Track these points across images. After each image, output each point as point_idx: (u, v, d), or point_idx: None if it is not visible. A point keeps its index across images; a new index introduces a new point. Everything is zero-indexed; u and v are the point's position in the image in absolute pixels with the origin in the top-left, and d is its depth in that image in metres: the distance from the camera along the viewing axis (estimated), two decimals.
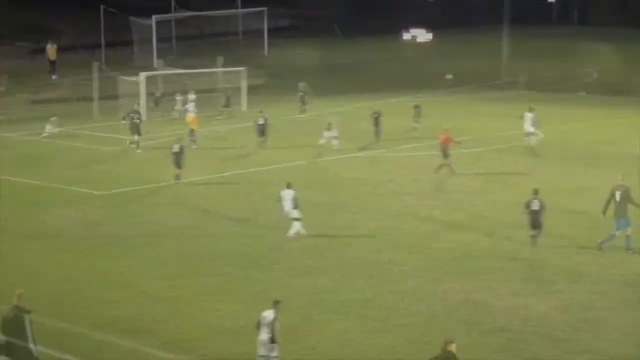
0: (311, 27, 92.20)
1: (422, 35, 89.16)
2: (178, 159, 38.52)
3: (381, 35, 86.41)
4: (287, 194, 31.41)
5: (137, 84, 53.52)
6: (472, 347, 22.20)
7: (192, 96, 52.61)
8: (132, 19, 72.34)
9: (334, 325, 24.34)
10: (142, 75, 54.12)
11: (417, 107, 49.62)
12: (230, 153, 44.81)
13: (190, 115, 47.59)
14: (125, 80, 55.45)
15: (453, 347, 18.88)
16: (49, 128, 49.21)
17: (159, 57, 69.32)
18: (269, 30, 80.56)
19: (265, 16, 79.33)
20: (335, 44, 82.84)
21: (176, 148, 38.67)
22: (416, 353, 22.11)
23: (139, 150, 45.44)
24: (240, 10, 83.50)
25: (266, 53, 78.26)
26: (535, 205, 30.04)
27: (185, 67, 63.34)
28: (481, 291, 26.41)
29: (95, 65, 57.04)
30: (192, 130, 45.79)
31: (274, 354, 21.31)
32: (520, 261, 29.17)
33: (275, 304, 21.47)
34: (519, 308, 25.25)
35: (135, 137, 45.76)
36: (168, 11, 76.35)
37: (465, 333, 23.23)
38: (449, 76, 67.10)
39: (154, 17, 71.44)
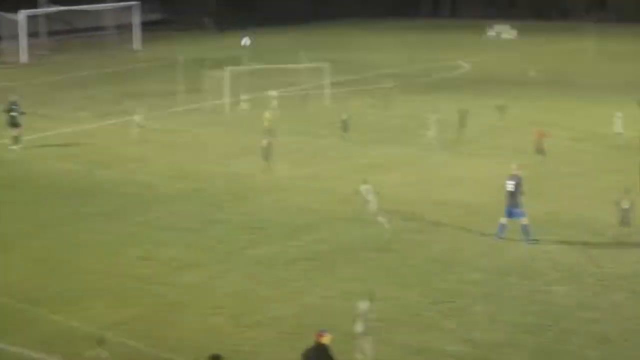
0: (184, 20, 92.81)
1: (506, 32, 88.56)
2: (266, 153, 38.98)
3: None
4: (366, 189, 31.99)
5: (221, 78, 54.13)
6: (345, 338, 21.60)
7: (273, 93, 52.90)
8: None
9: (208, 320, 24.18)
10: (227, 70, 54.65)
11: (501, 107, 49.29)
12: (311, 148, 44.86)
13: (268, 111, 47.73)
14: (207, 74, 56.02)
15: (326, 339, 18.75)
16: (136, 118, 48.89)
17: (29, 53, 68.36)
18: (142, 24, 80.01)
19: (139, 10, 78.92)
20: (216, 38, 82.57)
21: (264, 142, 39.17)
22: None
23: (14, 147, 43.40)
24: (110, 5, 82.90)
25: (134, 47, 77.39)
26: (625, 204, 30.19)
27: (64, 63, 61.94)
28: (353, 281, 26.53)
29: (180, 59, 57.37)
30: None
31: (366, 345, 21.38)
32: (395, 252, 29.16)
33: (370, 294, 21.56)
34: (392, 298, 25.27)
35: (15, 132, 43.53)
36: (38, 6, 75.46)
37: (338, 324, 22.64)
38: (532, 73, 66.55)
39: (22, 12, 70.50)
